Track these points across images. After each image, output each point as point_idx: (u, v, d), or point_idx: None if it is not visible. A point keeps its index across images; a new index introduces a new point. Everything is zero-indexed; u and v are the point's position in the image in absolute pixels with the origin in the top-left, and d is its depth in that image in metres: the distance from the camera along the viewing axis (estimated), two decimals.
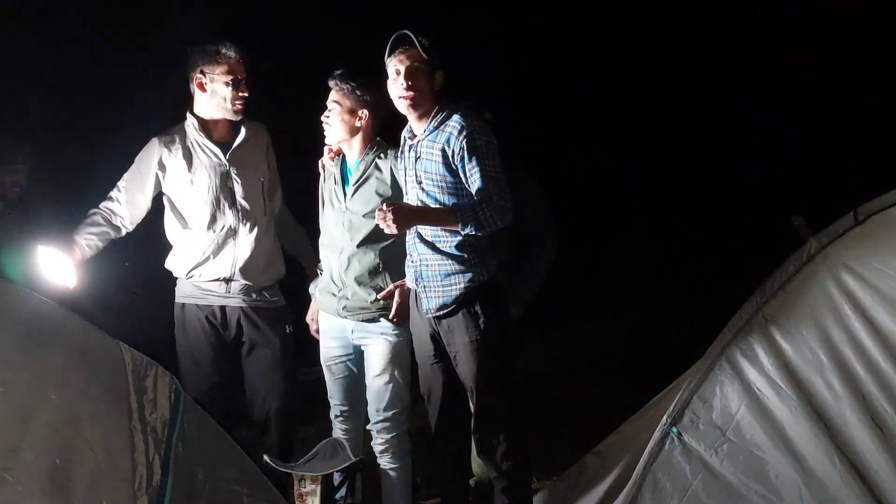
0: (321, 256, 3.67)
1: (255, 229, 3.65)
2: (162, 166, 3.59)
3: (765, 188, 7.66)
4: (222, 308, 3.67)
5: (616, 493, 3.05)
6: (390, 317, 3.46)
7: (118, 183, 3.62)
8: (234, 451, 2.04)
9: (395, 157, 3.48)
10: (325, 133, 3.53)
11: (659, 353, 5.87)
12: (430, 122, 3.24)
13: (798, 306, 2.86)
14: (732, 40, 7.59)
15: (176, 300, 3.72)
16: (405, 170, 3.34)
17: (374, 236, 3.47)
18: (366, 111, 3.48)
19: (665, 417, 2.88)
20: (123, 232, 3.64)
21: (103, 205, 3.61)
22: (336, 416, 3.71)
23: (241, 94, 3.55)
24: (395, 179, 3.48)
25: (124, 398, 1.75)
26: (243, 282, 3.66)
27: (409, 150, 3.31)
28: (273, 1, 5.39)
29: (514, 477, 3.30)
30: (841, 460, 2.67)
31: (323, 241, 3.66)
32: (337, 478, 3.51)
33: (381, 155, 3.52)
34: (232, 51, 3.53)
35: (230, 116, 3.59)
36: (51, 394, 1.66)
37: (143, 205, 3.63)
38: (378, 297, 3.47)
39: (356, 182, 3.52)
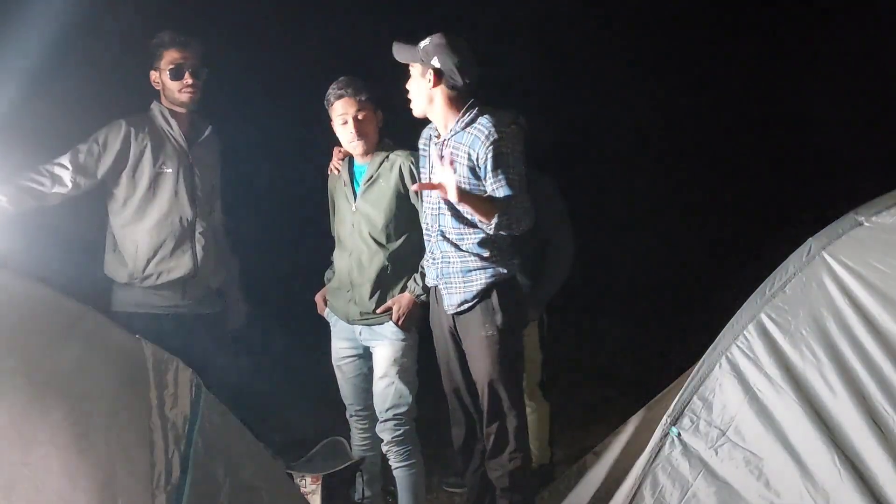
0: (334, 258, 3.69)
1: (208, 226, 3.64)
2: (126, 149, 3.49)
3: (765, 188, 7.67)
4: (175, 318, 3.55)
5: (616, 493, 3.05)
6: (393, 320, 3.47)
7: (70, 152, 3.44)
8: (255, 446, 2.03)
9: (406, 156, 3.48)
10: (363, 146, 3.50)
11: (659, 354, 5.89)
12: (457, 122, 3.25)
13: (798, 306, 2.86)
14: (732, 40, 7.60)
15: (118, 310, 3.52)
16: (428, 169, 3.35)
17: (383, 237, 3.48)
18: (380, 111, 3.52)
19: (665, 417, 2.88)
20: (49, 202, 3.40)
21: (47, 167, 3.40)
22: (351, 416, 3.74)
23: (186, 82, 3.51)
24: (401, 177, 3.48)
25: (144, 393, 1.74)
26: (202, 282, 3.62)
27: (435, 149, 3.32)
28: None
29: (516, 478, 3.30)
30: (841, 460, 2.67)
31: (337, 244, 3.67)
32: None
33: (390, 154, 3.52)
34: (167, 38, 3.51)
35: (180, 107, 3.56)
36: (69, 388, 1.66)
37: (89, 184, 3.47)
38: (377, 310, 3.49)
39: (366, 182, 3.52)
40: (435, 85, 3.22)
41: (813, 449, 2.70)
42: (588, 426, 5.04)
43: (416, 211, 3.49)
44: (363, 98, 3.44)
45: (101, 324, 1.85)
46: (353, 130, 3.44)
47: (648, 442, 2.92)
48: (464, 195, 3.09)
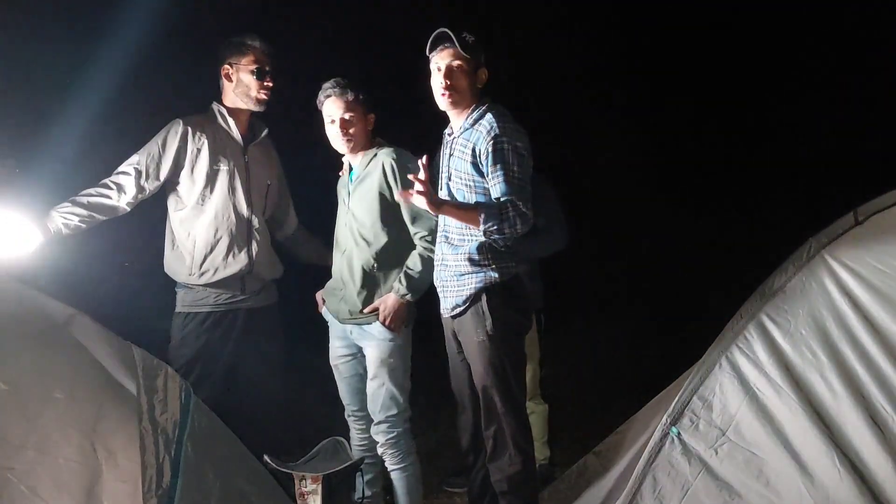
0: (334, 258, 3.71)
1: (262, 224, 3.74)
2: (184, 147, 3.59)
3: (765, 188, 7.67)
4: (233, 312, 3.67)
5: (616, 493, 3.04)
6: (380, 320, 3.46)
7: (131, 159, 3.57)
8: (242, 451, 2.04)
9: (389, 154, 3.48)
10: (348, 145, 3.52)
11: (659, 354, 5.88)
12: (467, 119, 3.24)
13: (798, 306, 2.86)
14: (732, 38, 7.60)
15: (177, 310, 3.66)
16: (441, 166, 3.36)
17: (370, 235, 3.48)
18: (373, 114, 3.52)
19: (665, 417, 2.88)
20: (120, 213, 3.55)
21: (111, 179, 3.53)
22: (349, 416, 3.74)
23: (266, 84, 3.65)
24: (384, 175, 3.46)
25: (134, 399, 1.74)
26: (259, 276, 3.71)
27: (445, 147, 3.32)
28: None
29: (515, 483, 3.26)
30: (841, 460, 2.67)
31: (335, 243, 3.69)
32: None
33: (378, 153, 3.52)
34: (258, 42, 3.64)
35: (253, 106, 3.67)
36: (56, 393, 1.65)
37: (153, 186, 3.59)
38: (365, 310, 3.48)
39: (356, 181, 3.53)
40: (485, 83, 3.25)
41: (813, 449, 2.70)
42: (588, 426, 5.03)
43: (400, 209, 3.48)
44: (350, 98, 3.46)
45: (91, 328, 1.84)
46: (339, 130, 3.47)
47: (648, 442, 2.91)
48: (441, 205, 3.10)
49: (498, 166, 3.10)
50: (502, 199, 3.09)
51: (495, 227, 3.07)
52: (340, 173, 3.72)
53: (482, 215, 3.07)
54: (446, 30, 3.21)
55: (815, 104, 7.15)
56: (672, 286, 7.27)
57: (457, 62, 3.21)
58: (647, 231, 7.61)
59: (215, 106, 3.70)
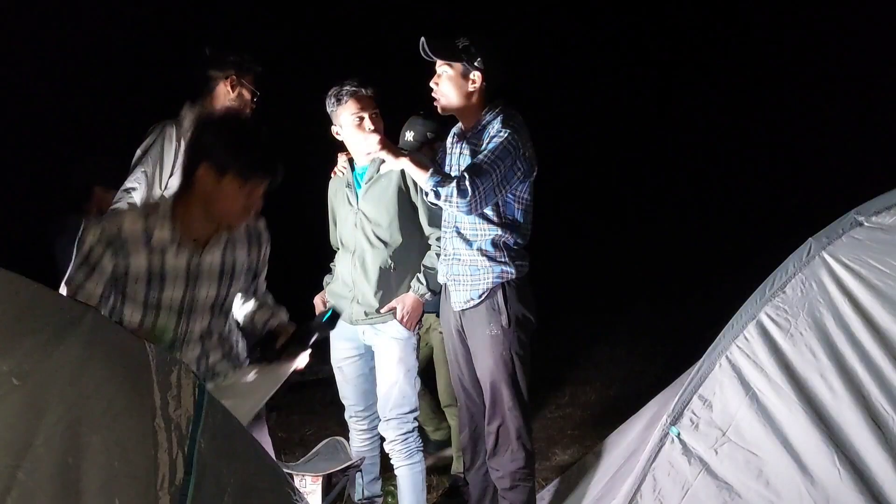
0: (336, 262, 3.70)
1: None
2: (179, 149, 3.54)
3: (765, 188, 7.68)
4: None
5: (616, 493, 3.05)
6: (397, 318, 3.47)
7: (134, 174, 3.54)
8: (255, 446, 2.03)
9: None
10: (369, 144, 3.49)
11: (660, 353, 5.89)
12: (479, 122, 3.29)
13: (798, 306, 2.86)
14: (732, 36, 7.61)
15: None
16: (449, 165, 3.38)
17: (386, 236, 3.48)
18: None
19: (665, 417, 2.88)
20: None
21: (126, 201, 3.46)
22: (350, 417, 3.73)
23: (255, 99, 3.76)
24: (402, 176, 3.47)
25: (147, 395, 1.72)
26: None
27: (456, 147, 3.36)
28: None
29: (517, 479, 3.30)
30: (841, 460, 2.67)
31: (339, 246, 3.69)
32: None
33: None
34: (259, 66, 3.77)
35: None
36: (66, 389, 1.64)
37: (157, 196, 3.51)
38: (382, 310, 3.48)
39: (368, 182, 3.52)
40: (480, 85, 3.27)
41: (813, 449, 2.70)
42: (588, 426, 5.04)
43: (417, 209, 3.50)
44: (374, 96, 3.46)
45: (103, 324, 1.83)
46: (372, 126, 3.42)
47: (648, 442, 2.91)
48: (399, 154, 3.25)
49: (485, 151, 3.20)
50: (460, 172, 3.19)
51: (433, 185, 3.16)
52: (334, 173, 3.70)
53: (431, 170, 3.19)
54: (421, 39, 3.24)
55: (816, 104, 7.16)
56: (672, 286, 7.27)
57: (442, 68, 3.27)
58: (648, 230, 7.62)
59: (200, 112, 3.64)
